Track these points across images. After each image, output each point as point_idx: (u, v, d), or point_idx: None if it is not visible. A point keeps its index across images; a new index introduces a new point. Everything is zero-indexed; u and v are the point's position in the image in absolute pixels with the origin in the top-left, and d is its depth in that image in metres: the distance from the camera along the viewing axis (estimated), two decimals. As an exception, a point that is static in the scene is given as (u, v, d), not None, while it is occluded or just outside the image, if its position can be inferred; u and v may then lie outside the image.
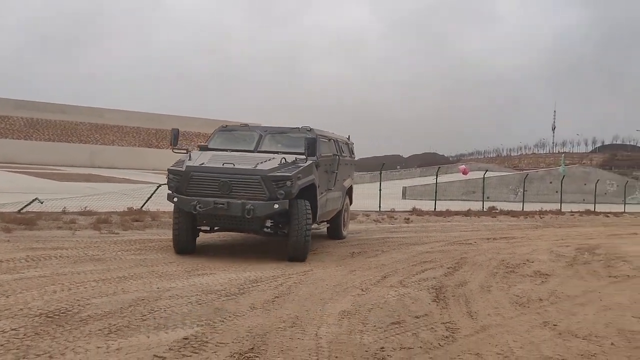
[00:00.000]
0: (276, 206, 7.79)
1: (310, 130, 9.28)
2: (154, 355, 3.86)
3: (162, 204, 13.84)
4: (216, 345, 4.16)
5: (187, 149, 9.06)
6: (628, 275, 8.30)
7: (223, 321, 4.82)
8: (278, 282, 6.62)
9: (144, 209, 13.69)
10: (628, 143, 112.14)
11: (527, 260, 9.40)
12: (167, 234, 10.20)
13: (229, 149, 8.94)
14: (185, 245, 8.24)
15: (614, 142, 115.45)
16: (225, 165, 7.94)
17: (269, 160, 8.21)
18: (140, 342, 4.14)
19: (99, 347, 3.95)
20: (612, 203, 35.77)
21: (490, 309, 5.80)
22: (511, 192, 35.84)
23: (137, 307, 5.08)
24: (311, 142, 8.61)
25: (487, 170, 31.85)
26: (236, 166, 7.94)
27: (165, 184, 8.65)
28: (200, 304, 5.38)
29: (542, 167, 77.05)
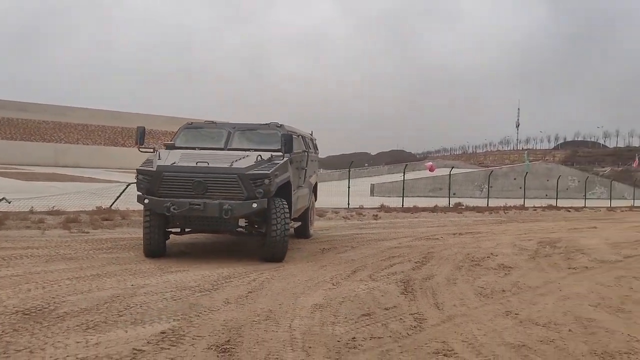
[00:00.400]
0: (255, 205, 7.52)
1: (281, 126, 9.09)
2: (133, 349, 3.96)
3: (132, 203, 13.76)
4: (193, 339, 4.29)
5: (153, 148, 8.72)
6: (586, 267, 8.69)
7: (199, 315, 4.94)
8: (251, 277, 6.75)
9: (113, 208, 13.61)
10: (589, 140, 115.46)
11: (492, 254, 9.72)
12: (138, 233, 10.20)
13: (198, 147, 8.57)
14: (156, 248, 7.87)
15: (576, 139, 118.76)
16: (199, 164, 7.61)
17: (244, 157, 7.96)
18: (118, 336, 4.23)
19: (78, 342, 4.04)
20: (573, 198, 36.86)
21: (456, 300, 6.04)
22: (477, 188, 36.61)
23: (113, 304, 5.16)
24: (288, 139, 8.36)
25: (453, 167, 32.49)
26: (211, 165, 7.61)
27: (134, 183, 8.54)
28: (175, 299, 5.49)
29: (507, 164, 78.70)
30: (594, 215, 23.47)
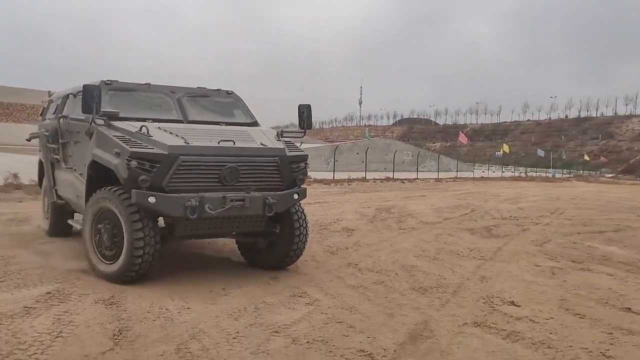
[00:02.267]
0: (296, 196, 6.01)
1: (232, 93, 7.20)
2: (24, 307, 4.38)
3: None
4: (80, 296, 4.78)
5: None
6: (413, 228, 10.27)
7: (79, 279, 5.38)
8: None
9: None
10: (422, 117, 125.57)
11: (337, 219, 10.98)
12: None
13: (150, 119, 5.91)
14: (146, 268, 5.35)
15: (411, 116, 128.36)
16: (223, 144, 5.56)
17: (256, 133, 6.23)
18: (5, 298, 4.60)
19: (-33, 305, 4.34)
20: (408, 171, 40.51)
21: (308, 257, 7.03)
22: (324, 162, 38.72)
23: (-12, 272, 5.38)
24: (308, 110, 6.70)
25: (302, 143, 34.05)
26: (238, 144, 5.66)
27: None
28: (50, 267, 5.82)
29: (351, 139, 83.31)
30: (424, 186, 26.34)
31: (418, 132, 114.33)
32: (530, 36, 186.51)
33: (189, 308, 4.61)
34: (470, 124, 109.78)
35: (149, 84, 6.57)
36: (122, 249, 5.23)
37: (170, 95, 6.53)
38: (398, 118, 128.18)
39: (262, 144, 5.84)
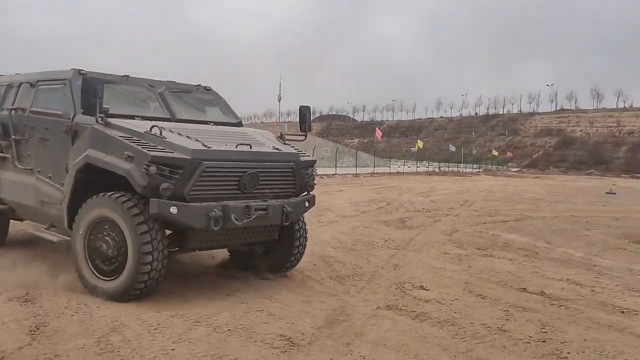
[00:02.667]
0: (307, 204, 5.78)
1: (211, 89, 6.79)
2: None
3: None
4: (-9, 295, 4.65)
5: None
6: (332, 221, 10.61)
7: (-11, 278, 5.21)
8: (34, 243, 6.93)
9: None
10: (341, 114, 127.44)
11: (257, 214, 11.12)
12: None
13: (140, 117, 5.47)
14: (156, 281, 4.82)
15: (330, 113, 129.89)
16: (241, 148, 5.15)
17: (258, 135, 5.91)
18: None
19: None
20: (327, 167, 41.11)
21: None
22: (243, 158, 38.55)
23: None
24: (310, 113, 6.30)
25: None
26: (255, 149, 5.26)
27: None
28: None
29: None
30: (342, 181, 26.96)
31: (337, 128, 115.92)
32: (443, 35, 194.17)
33: (107, 303, 4.60)
34: (387, 120, 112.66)
35: (127, 75, 5.97)
36: (124, 263, 4.67)
37: (151, 90, 5.99)
38: (317, 115, 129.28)
39: (275, 148, 5.50)
